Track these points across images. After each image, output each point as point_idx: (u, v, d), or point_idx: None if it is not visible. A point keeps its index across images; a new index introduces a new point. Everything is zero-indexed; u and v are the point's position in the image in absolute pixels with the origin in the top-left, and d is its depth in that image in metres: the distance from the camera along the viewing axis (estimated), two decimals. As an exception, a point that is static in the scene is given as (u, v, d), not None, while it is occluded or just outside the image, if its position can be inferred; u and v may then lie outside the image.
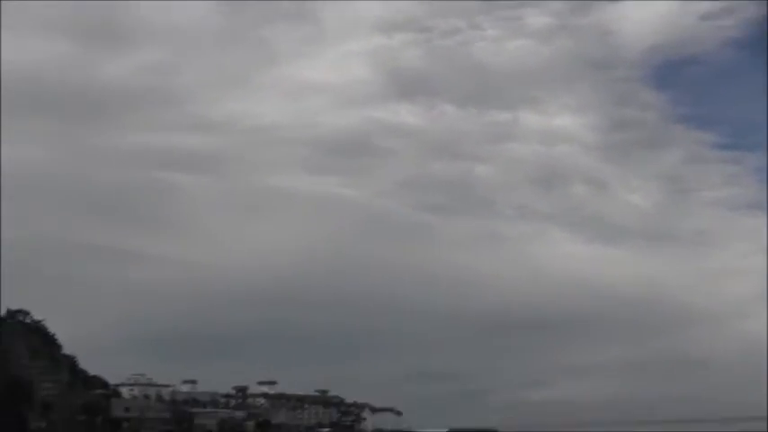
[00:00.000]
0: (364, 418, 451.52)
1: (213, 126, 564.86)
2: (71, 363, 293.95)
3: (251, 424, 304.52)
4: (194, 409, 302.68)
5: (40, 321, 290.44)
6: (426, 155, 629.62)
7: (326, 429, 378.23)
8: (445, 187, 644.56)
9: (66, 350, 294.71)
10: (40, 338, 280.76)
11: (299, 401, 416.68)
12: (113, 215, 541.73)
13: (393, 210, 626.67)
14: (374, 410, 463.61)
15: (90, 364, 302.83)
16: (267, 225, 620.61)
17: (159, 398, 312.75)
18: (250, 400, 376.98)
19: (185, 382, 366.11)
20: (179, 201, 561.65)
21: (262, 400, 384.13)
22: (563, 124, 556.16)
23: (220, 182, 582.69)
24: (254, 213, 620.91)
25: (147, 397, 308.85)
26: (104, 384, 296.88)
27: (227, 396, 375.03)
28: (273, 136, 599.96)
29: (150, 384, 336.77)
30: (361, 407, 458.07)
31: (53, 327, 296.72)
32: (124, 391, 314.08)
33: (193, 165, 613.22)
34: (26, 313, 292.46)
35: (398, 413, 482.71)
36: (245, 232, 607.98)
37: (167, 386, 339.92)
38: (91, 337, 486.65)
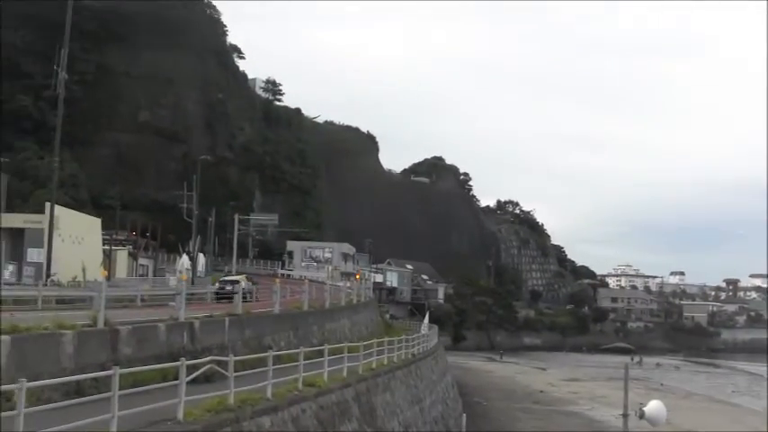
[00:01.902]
0: None
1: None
2: (559, 252, 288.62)
3: (742, 318, 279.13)
4: (682, 301, 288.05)
5: (529, 212, 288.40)
6: None
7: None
8: None
9: (555, 240, 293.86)
10: (529, 229, 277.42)
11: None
12: (593, 103, 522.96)
13: None
14: None
15: (577, 254, 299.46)
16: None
17: (647, 288, 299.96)
18: (741, 294, 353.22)
19: (673, 273, 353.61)
20: (662, 86, 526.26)
21: (754, 294, 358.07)
22: None
23: (702, 63, 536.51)
24: (737, 97, 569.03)
25: (634, 287, 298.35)
26: (591, 274, 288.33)
27: (717, 288, 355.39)
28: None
29: (637, 275, 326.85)
30: None
31: (541, 217, 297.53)
32: (611, 281, 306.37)
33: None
34: (516, 204, 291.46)
35: None
36: (733, 118, 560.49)
37: (655, 277, 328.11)
38: (577, 227, 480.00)
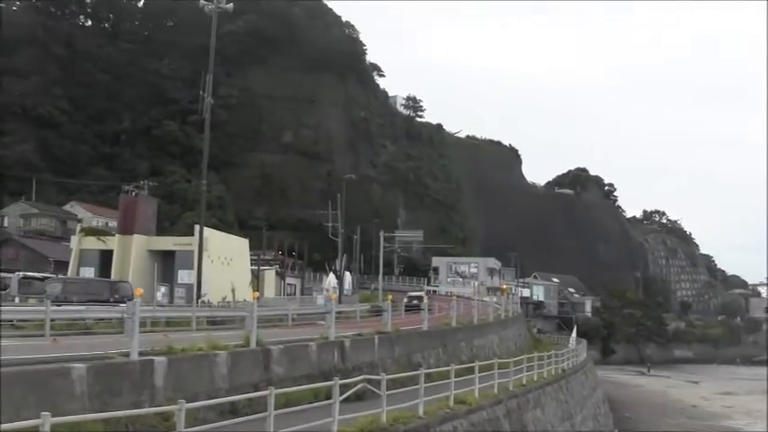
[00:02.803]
0: None
1: None
2: (708, 262, 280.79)
3: None
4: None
5: (676, 221, 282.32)
6: None
7: None
8: None
9: (703, 249, 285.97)
10: (676, 238, 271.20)
11: None
12: (737, 105, 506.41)
13: None
14: None
15: (727, 263, 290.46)
16: None
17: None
18: None
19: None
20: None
21: None
22: None
23: None
24: None
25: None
26: (743, 284, 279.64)
27: None
28: None
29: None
30: None
31: (689, 225, 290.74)
32: (763, 290, 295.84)
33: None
34: (662, 213, 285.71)
35: None
36: None
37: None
38: (727, 234, 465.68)
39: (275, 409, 14.89)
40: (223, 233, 72.45)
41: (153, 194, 73.45)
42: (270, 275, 78.44)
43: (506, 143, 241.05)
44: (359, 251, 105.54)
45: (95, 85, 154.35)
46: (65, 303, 35.78)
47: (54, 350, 19.97)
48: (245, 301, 48.93)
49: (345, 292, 76.93)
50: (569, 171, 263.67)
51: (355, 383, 19.26)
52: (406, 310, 53.19)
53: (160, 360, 18.14)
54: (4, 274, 51.78)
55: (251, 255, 72.75)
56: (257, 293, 33.34)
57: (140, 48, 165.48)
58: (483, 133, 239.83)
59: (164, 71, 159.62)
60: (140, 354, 18.06)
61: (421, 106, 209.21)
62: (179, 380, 18.39)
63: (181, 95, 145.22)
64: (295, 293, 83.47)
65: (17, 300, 40.74)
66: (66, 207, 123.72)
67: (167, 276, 61.29)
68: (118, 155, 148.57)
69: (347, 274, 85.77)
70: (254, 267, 71.92)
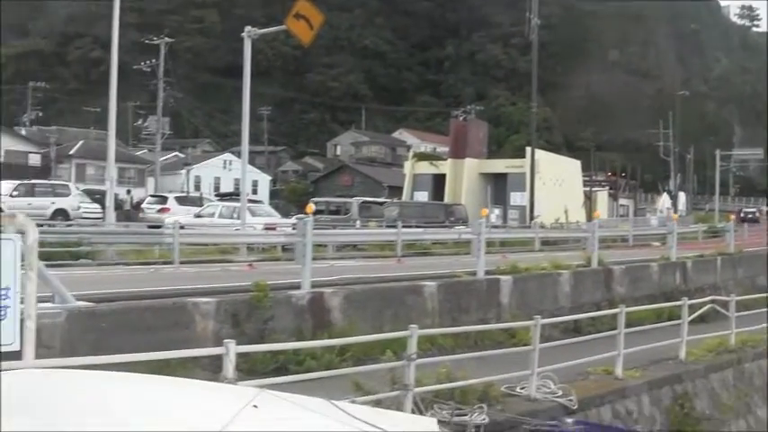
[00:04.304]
0: None
1: None
2: None
3: None
4: None
5: None
6: None
7: None
8: None
9: None
10: None
11: None
12: None
13: None
14: None
15: None
16: None
17: None
18: None
19: None
20: None
21: None
22: None
23: None
24: None
25: None
26: None
27: None
28: None
29: None
30: None
31: None
32: None
33: None
34: None
35: None
36: None
37: None
38: None
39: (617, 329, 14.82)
40: (554, 155, 72.72)
41: (479, 119, 74.88)
42: (602, 197, 77.72)
43: None
44: (692, 171, 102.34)
45: (417, 13, 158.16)
46: (402, 226, 37.59)
47: (402, 270, 21.23)
48: (578, 222, 49.17)
49: (679, 212, 74.89)
50: None
51: (703, 304, 19.09)
52: (740, 221, 56.28)
53: (505, 279, 18.87)
54: (344, 200, 54.90)
55: (582, 176, 72.51)
56: (599, 213, 33.51)
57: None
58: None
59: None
60: (486, 273, 18.85)
61: (757, 15, 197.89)
62: (523, 298, 19.06)
63: (502, 19, 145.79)
64: (628, 215, 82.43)
65: (358, 223, 43.08)
66: (395, 134, 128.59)
67: (499, 198, 62.56)
68: (442, 81, 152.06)
69: (680, 194, 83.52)
70: (586, 189, 71.66)
